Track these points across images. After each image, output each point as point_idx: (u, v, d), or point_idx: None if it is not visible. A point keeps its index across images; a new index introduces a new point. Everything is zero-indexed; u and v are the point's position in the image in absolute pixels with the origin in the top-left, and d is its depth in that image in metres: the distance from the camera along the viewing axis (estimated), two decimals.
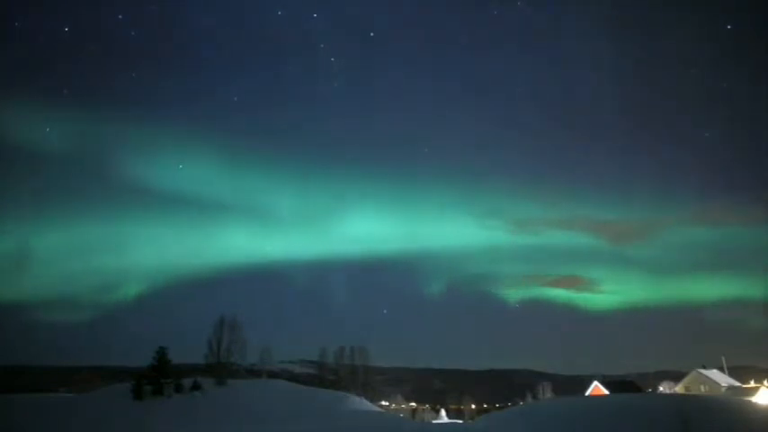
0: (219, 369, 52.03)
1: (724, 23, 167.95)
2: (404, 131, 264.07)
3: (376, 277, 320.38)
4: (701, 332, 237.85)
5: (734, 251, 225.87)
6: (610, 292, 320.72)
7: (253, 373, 76.41)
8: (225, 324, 54.00)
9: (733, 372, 73.36)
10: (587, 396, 62.45)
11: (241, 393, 47.92)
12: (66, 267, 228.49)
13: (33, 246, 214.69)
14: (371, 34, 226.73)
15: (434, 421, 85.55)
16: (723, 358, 72.22)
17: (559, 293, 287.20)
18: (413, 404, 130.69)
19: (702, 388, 66.13)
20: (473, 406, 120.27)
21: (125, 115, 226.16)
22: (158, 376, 47.17)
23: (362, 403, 54.82)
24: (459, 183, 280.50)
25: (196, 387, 48.06)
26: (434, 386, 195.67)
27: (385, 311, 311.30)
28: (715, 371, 69.22)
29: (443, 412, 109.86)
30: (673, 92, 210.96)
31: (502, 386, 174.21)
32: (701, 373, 68.44)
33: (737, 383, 67.39)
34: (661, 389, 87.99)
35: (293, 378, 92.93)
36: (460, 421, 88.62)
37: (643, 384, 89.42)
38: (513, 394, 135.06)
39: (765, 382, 70.39)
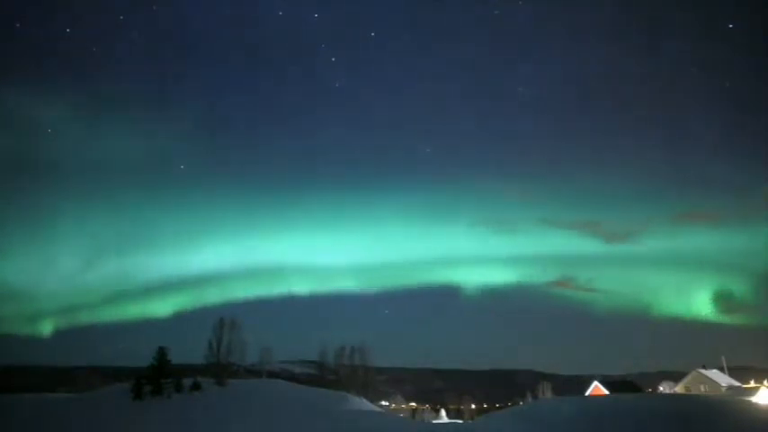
0: (219, 369, 51.98)
1: (725, 23, 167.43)
2: (405, 131, 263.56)
3: (376, 279, 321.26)
4: (699, 332, 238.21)
5: (732, 250, 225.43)
6: (608, 291, 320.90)
7: (253, 373, 76.36)
8: (225, 324, 54.02)
9: (733, 372, 73.34)
10: (587, 396, 62.44)
11: (241, 393, 47.88)
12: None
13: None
14: (372, 34, 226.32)
15: (434, 421, 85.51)
16: (723, 358, 72.30)
17: (559, 294, 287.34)
18: (413, 404, 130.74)
19: (702, 388, 66.14)
20: (473, 406, 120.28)
21: (126, 116, 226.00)
22: (158, 376, 47.12)
23: (362, 403, 54.80)
24: (460, 182, 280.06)
25: (196, 387, 48.02)
26: (434, 386, 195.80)
27: (386, 312, 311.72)
28: (715, 371, 69.22)
29: (443, 412, 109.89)
30: (673, 91, 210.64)
31: (502, 386, 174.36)
32: (701, 373, 68.45)
33: (737, 383, 67.38)
34: (661, 389, 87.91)
35: (293, 378, 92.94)
36: (460, 421, 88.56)
37: (643, 384, 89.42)
38: (513, 394, 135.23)
39: (765, 382, 70.38)
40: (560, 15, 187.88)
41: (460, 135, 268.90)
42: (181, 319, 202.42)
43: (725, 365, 70.88)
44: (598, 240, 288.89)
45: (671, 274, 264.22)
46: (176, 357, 50.39)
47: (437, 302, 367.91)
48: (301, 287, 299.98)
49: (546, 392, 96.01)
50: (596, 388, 68.29)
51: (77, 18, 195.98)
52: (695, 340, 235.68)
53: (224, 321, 54.14)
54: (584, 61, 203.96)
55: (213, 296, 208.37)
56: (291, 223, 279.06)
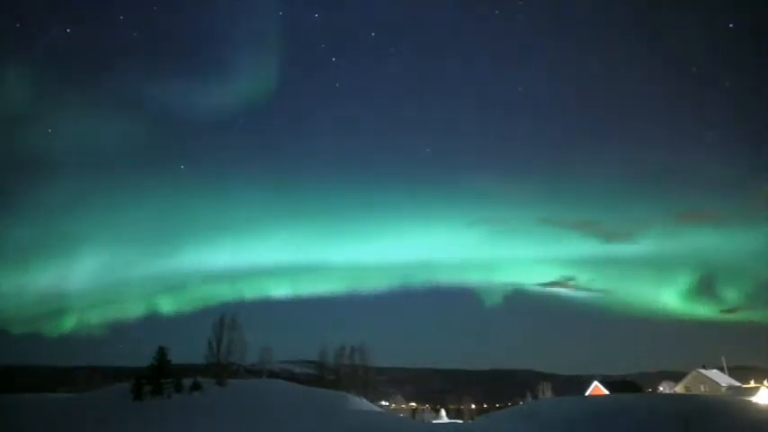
0: (219, 369, 51.93)
1: (725, 23, 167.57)
2: (405, 131, 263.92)
3: (376, 278, 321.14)
4: (699, 332, 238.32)
5: (732, 250, 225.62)
6: (608, 291, 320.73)
7: (253, 373, 76.31)
8: (225, 324, 53.94)
9: (733, 372, 73.40)
10: (587, 396, 62.47)
11: (241, 393, 47.86)
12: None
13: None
14: (372, 34, 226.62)
15: (434, 421, 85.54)
16: (723, 358, 72.38)
17: (558, 294, 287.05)
18: (413, 404, 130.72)
19: (702, 388, 66.16)
20: (473, 406, 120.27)
21: (125, 115, 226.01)
22: (158, 376, 47.08)
23: (362, 403, 54.77)
24: (459, 182, 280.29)
25: (196, 387, 47.98)
26: (434, 386, 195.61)
27: (386, 312, 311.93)
28: (715, 371, 69.25)
29: (443, 412, 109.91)
30: (673, 91, 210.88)
31: (502, 386, 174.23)
32: (700, 373, 68.47)
33: (737, 383, 67.44)
34: (661, 389, 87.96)
35: (293, 378, 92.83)
36: (460, 421, 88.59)
37: (643, 384, 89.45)
38: (513, 394, 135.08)
39: (765, 382, 70.45)
40: (560, 15, 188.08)
41: (460, 135, 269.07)
42: (181, 319, 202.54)
43: (725, 365, 70.96)
44: (598, 240, 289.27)
45: (671, 274, 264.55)
46: (176, 357, 50.40)
47: (437, 302, 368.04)
48: (300, 287, 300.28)
49: (546, 392, 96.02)
50: (596, 388, 68.29)
51: (77, 18, 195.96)
52: (695, 340, 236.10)
53: (224, 321, 54.11)
54: (584, 61, 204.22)
55: (214, 296, 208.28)
56: (290, 223, 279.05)
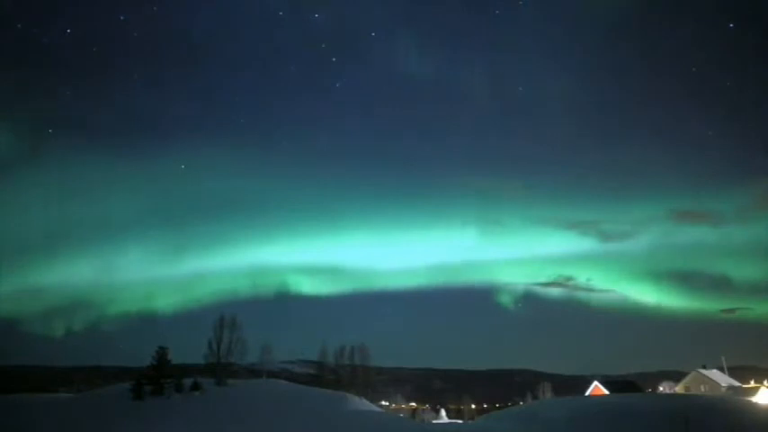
0: (219, 369, 51.95)
1: (725, 23, 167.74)
2: (405, 131, 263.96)
3: (375, 279, 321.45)
4: (699, 331, 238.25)
5: (730, 249, 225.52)
6: (607, 291, 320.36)
7: (253, 373, 76.32)
8: (225, 323, 53.93)
9: (733, 372, 73.39)
10: (587, 396, 62.48)
11: (241, 393, 47.88)
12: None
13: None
14: (372, 34, 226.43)
15: (434, 421, 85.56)
16: (723, 358, 72.40)
17: (558, 294, 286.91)
18: (413, 404, 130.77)
19: (702, 388, 66.17)
20: (473, 406, 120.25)
21: (126, 116, 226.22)
22: (158, 376, 47.10)
23: (362, 403, 54.74)
24: (456, 181, 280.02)
25: (196, 387, 48.00)
26: (434, 386, 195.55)
27: (386, 312, 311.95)
28: (715, 371, 69.26)
29: (443, 412, 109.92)
30: (673, 91, 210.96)
31: (502, 386, 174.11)
32: (700, 373, 68.48)
33: (737, 383, 67.46)
34: (661, 389, 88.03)
35: (293, 378, 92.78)
36: (460, 421, 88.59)
37: (643, 384, 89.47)
38: (513, 394, 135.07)
39: (765, 382, 70.48)
40: (560, 15, 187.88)
41: (459, 135, 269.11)
42: (181, 319, 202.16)
43: (725, 365, 70.99)
44: (596, 239, 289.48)
45: (669, 273, 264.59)
46: (176, 357, 50.47)
47: (436, 302, 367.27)
48: (301, 287, 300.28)
49: (546, 392, 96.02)
50: (596, 388, 68.27)
51: (77, 18, 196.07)
52: (695, 340, 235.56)
53: (224, 320, 54.10)
54: (584, 61, 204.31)
55: (214, 295, 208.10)
56: (291, 223, 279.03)
